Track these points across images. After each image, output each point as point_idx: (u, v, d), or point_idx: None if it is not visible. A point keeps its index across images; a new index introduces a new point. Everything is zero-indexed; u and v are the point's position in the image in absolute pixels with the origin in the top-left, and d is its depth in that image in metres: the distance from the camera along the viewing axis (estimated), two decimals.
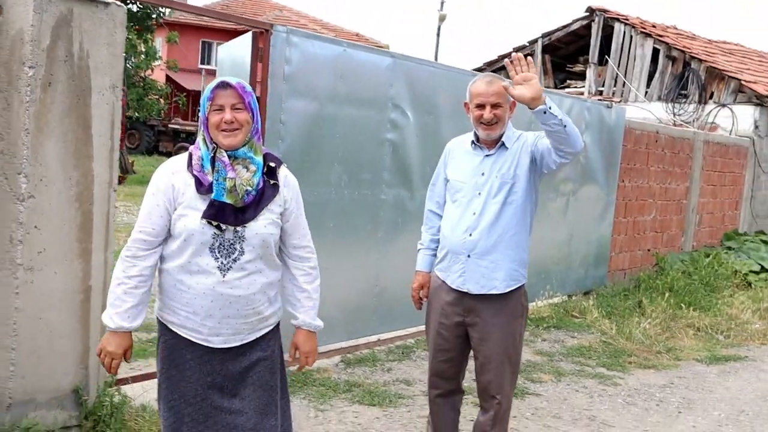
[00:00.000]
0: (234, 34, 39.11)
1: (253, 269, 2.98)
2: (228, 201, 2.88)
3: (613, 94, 15.66)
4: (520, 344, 4.05)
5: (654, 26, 16.01)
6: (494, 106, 3.81)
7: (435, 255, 4.12)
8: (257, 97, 3.33)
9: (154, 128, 31.86)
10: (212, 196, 2.88)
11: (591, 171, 8.96)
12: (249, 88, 3.00)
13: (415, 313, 6.68)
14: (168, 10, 22.66)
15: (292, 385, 5.27)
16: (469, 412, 4.98)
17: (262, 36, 5.27)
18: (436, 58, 34.36)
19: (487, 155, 3.91)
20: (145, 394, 4.60)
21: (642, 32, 15.35)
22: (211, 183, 2.90)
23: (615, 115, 9.32)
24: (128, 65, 21.72)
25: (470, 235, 3.85)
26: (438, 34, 36.94)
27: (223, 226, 2.89)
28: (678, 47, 14.86)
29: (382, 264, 6.40)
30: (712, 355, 7.33)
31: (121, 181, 13.65)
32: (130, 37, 19.88)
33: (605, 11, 15.98)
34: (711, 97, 14.35)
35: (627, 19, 15.70)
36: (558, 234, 8.64)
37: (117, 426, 4.19)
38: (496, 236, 3.84)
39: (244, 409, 3.03)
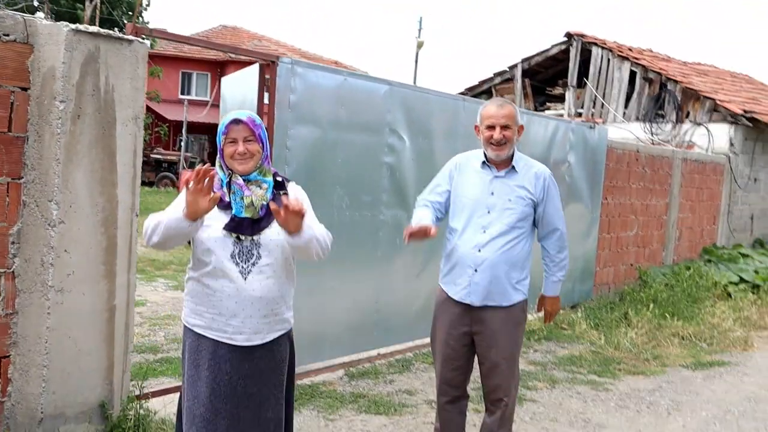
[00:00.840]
0: (213, 64, 39.44)
1: (271, 273, 3.32)
2: (247, 215, 3.27)
3: (592, 115, 16.09)
4: (520, 351, 4.37)
5: (630, 50, 16.49)
6: (504, 127, 4.14)
7: (436, 216, 4.34)
8: (265, 126, 3.65)
9: None
10: (233, 212, 3.27)
11: (576, 189, 9.30)
12: (258, 120, 3.39)
13: (413, 328, 7.05)
14: (149, 42, 23.00)
15: (300, 398, 5.53)
16: (470, 416, 5.24)
17: (268, 67, 5.58)
18: (414, 84, 34.81)
19: (496, 176, 4.22)
20: (164, 408, 4.84)
21: (619, 55, 15.82)
22: (230, 201, 3.29)
23: (598, 135, 9.69)
24: None
25: (479, 251, 4.15)
26: (416, 61, 37.52)
27: (242, 237, 3.27)
28: (654, 69, 15.33)
29: (382, 282, 6.68)
30: (697, 361, 7.65)
31: None
32: None
33: (583, 36, 16.45)
34: (687, 116, 14.81)
35: (604, 44, 16.18)
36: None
37: None
38: (503, 253, 4.14)
39: (249, 404, 3.35)
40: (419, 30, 38.84)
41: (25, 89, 4.01)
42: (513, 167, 4.23)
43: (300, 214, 3.09)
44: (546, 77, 17.81)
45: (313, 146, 5.90)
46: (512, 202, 4.18)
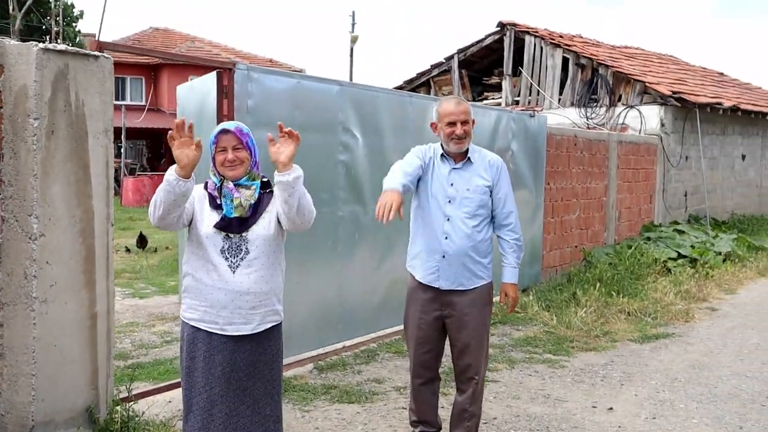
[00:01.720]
0: (147, 68, 38.88)
1: (258, 266, 3.60)
2: (236, 215, 3.55)
3: (529, 102, 16.53)
4: (489, 330, 4.66)
5: (561, 36, 16.98)
6: (463, 123, 4.43)
7: (408, 183, 4.37)
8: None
9: None
10: (224, 212, 3.56)
11: (520, 176, 9.64)
12: (246, 129, 3.68)
13: (375, 320, 7.31)
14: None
15: None
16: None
17: (226, 74, 5.75)
18: (351, 79, 35.00)
19: (454, 168, 4.51)
20: (149, 410, 5.01)
21: (551, 43, 16.28)
22: (221, 203, 3.58)
23: (538, 123, 10.05)
24: None
25: (446, 238, 4.44)
26: (351, 56, 37.72)
27: (231, 234, 3.55)
28: (586, 55, 15.83)
29: (343, 276, 6.91)
30: (644, 335, 8.06)
31: None
32: None
33: (515, 25, 16.87)
34: (619, 99, 15.35)
35: (536, 32, 16.62)
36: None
37: None
38: (466, 239, 4.44)
39: (246, 399, 3.61)
40: (353, 24, 39.11)
41: None
42: (469, 159, 4.51)
43: (295, 138, 3.47)
44: (482, 67, 18.22)
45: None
46: (470, 192, 4.47)
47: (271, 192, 3.66)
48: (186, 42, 37.78)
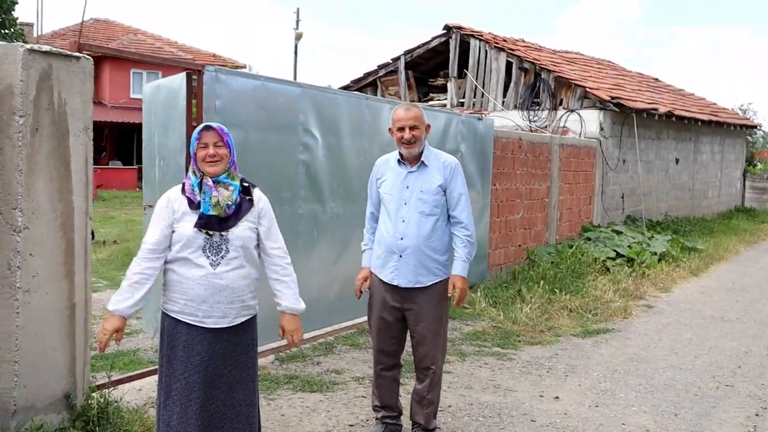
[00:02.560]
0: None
1: (237, 265, 3.86)
2: (214, 213, 3.79)
3: (473, 105, 16.95)
4: (447, 323, 4.99)
5: (505, 40, 17.44)
6: (412, 128, 4.75)
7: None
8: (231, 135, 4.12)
9: None
10: (201, 210, 3.79)
11: (469, 178, 9.84)
12: (226, 129, 3.96)
13: (332, 313, 7.57)
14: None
15: None
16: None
17: (195, 74, 5.97)
18: (295, 77, 35.16)
19: (410, 171, 4.83)
20: (124, 396, 5.22)
21: (495, 47, 16.72)
22: (200, 201, 3.81)
23: (485, 126, 10.43)
24: None
25: (402, 239, 4.76)
26: (296, 53, 37.81)
27: (211, 232, 3.79)
28: (528, 59, 16.31)
29: (302, 271, 7.09)
30: (586, 330, 8.51)
31: None
32: None
33: (461, 28, 17.27)
34: (561, 103, 15.87)
35: (481, 35, 17.05)
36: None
37: (104, 423, 4.80)
38: (422, 239, 4.76)
39: (221, 385, 3.88)
40: (297, 21, 39.16)
41: None
42: (423, 162, 4.83)
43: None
44: (428, 69, 18.58)
45: (238, 147, 6.20)
46: (424, 193, 4.79)
47: (251, 200, 3.92)
48: (128, 34, 37.40)
